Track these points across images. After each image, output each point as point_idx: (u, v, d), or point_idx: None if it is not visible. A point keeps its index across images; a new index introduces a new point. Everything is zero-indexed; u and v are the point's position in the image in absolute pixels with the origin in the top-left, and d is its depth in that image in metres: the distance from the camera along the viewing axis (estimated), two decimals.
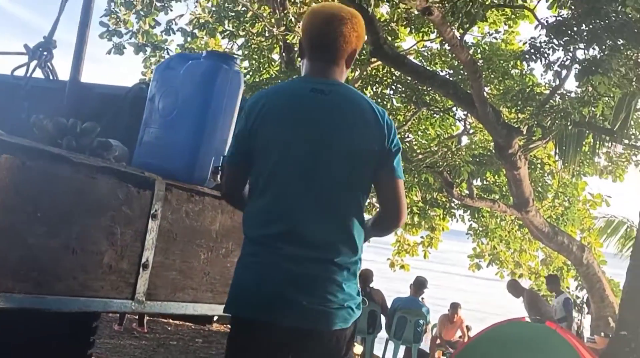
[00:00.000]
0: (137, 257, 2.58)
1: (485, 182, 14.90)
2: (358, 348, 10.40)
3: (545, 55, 9.95)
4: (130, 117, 3.34)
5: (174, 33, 13.67)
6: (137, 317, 9.56)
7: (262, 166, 2.37)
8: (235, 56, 3.20)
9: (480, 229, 16.29)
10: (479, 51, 13.89)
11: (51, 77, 3.63)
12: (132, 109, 3.37)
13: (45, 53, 3.54)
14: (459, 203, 14.61)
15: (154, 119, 3.06)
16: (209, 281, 2.99)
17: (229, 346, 2.44)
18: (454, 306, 12.57)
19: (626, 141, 13.18)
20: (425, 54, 14.49)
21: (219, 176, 3.02)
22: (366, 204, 2.47)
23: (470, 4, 9.90)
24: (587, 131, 12.48)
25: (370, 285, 10.45)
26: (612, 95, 10.47)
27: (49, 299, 2.20)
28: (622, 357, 10.00)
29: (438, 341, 12.35)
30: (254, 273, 2.32)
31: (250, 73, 14.62)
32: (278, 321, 2.26)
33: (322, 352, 2.31)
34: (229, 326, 8.71)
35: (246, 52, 14.66)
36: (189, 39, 13.81)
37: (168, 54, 13.18)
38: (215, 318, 11.31)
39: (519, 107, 12.06)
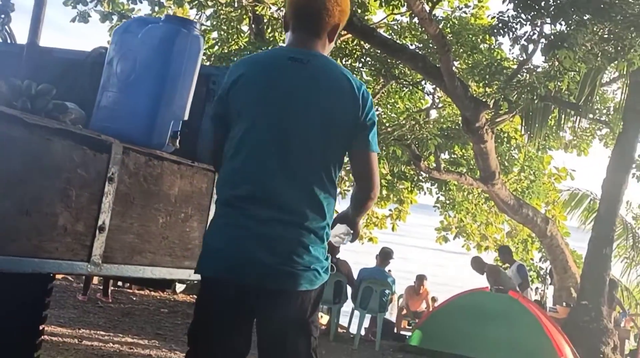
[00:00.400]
0: (93, 220, 2.57)
1: (452, 155, 15.02)
2: (324, 319, 10.51)
3: (513, 29, 10.01)
4: (90, 82, 3.31)
5: (141, 2, 13.43)
6: (101, 287, 9.55)
7: (236, 130, 2.45)
8: (196, 21, 3.19)
9: (448, 202, 16.45)
10: (448, 24, 13.90)
11: (9, 41, 3.58)
12: (91, 74, 3.34)
13: (2, 16, 3.49)
14: (427, 176, 14.72)
15: (112, 83, 3.03)
16: (168, 245, 2.99)
17: (197, 305, 2.53)
18: (420, 278, 12.75)
19: (591, 116, 13.38)
20: (395, 27, 14.47)
21: (177, 141, 3.02)
22: (338, 175, 2.50)
23: None
24: (553, 106, 12.63)
25: (337, 256, 10.52)
26: (577, 70, 10.58)
27: (1, 259, 2.19)
28: (582, 326, 10.25)
29: (404, 311, 12.53)
30: (222, 234, 2.41)
31: (219, 44, 14.49)
32: (244, 280, 2.33)
33: (287, 311, 2.36)
34: (194, 296, 8.91)
35: (215, 23, 14.49)
36: (156, 8, 13.59)
37: None
38: (181, 288, 11.35)
39: (486, 82, 12.14)
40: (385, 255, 10.91)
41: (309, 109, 2.40)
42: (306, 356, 2.38)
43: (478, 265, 11.35)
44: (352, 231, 2.71)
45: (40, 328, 3.17)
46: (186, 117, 3.05)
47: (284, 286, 2.34)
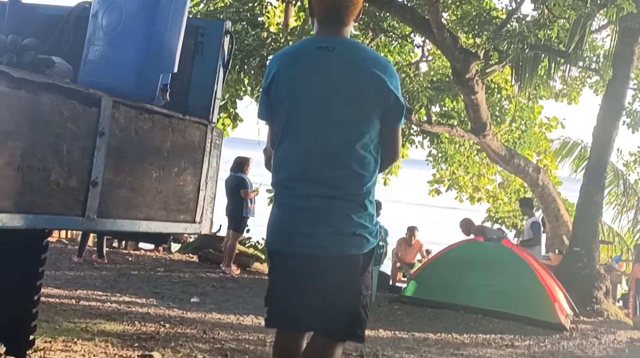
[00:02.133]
0: (86, 175, 2.56)
1: (443, 108, 14.98)
2: None
3: None
4: (75, 37, 3.26)
5: None
6: (95, 249, 9.56)
7: (279, 118, 2.72)
8: None
9: (440, 155, 16.47)
10: None
11: None
12: (76, 28, 3.29)
13: None
14: (418, 129, 14.69)
15: (98, 36, 2.98)
16: (162, 199, 2.98)
17: (269, 272, 2.90)
18: (411, 229, 12.84)
19: (581, 64, 13.31)
20: None
21: (167, 93, 2.99)
22: (376, 145, 2.71)
23: None
24: (543, 55, 12.55)
25: None
26: (567, 17, 10.50)
27: None
28: (575, 272, 10.37)
29: (398, 264, 12.64)
30: (276, 214, 2.72)
31: (204, 1, 14.28)
32: (296, 251, 2.63)
33: (337, 273, 2.61)
34: (190, 255, 8.98)
35: None
36: None
37: None
38: (176, 248, 11.39)
39: (476, 32, 12.00)
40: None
41: (335, 92, 2.64)
42: (355, 312, 2.64)
43: (466, 226, 11.34)
44: None
45: (38, 284, 3.18)
46: (175, 70, 3.02)
47: (332, 253, 2.59)
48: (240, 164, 10.25)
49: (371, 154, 2.66)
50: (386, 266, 12.40)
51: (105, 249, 9.56)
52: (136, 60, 2.88)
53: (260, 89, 2.89)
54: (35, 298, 3.21)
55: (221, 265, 10.08)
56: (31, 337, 3.23)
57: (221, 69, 3.31)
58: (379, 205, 11.08)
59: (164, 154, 2.97)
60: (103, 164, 2.62)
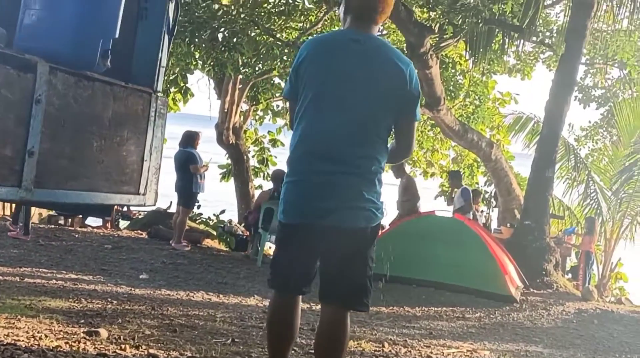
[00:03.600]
0: (21, 144, 2.45)
1: None
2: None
3: None
4: (10, 1, 3.11)
5: None
6: (43, 226, 9.26)
7: (304, 97, 2.93)
8: None
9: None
10: None
11: None
12: None
13: None
14: None
15: (34, 0, 2.84)
16: (104, 170, 2.88)
17: (278, 242, 3.10)
18: None
19: (534, 39, 13.41)
20: None
21: (108, 60, 2.87)
22: (389, 134, 2.98)
23: None
24: (497, 29, 12.59)
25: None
26: None
27: None
28: (525, 245, 10.51)
29: None
30: (293, 187, 2.91)
31: None
32: (314, 222, 2.86)
33: (348, 244, 2.87)
34: (139, 232, 8.76)
35: None
36: None
37: None
38: (125, 225, 11.19)
39: (430, 6, 12.00)
40: None
41: (362, 81, 2.88)
42: (363, 282, 2.91)
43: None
44: None
45: None
46: (117, 35, 2.89)
47: (345, 225, 2.84)
48: (190, 139, 10.03)
49: (384, 141, 2.93)
50: None
51: (30, 224, 9.13)
52: (74, 24, 2.76)
53: (291, 70, 3.10)
54: None
55: (171, 241, 9.91)
56: None
57: (166, 36, 3.20)
58: None
59: (105, 123, 2.86)
60: (40, 132, 2.52)
